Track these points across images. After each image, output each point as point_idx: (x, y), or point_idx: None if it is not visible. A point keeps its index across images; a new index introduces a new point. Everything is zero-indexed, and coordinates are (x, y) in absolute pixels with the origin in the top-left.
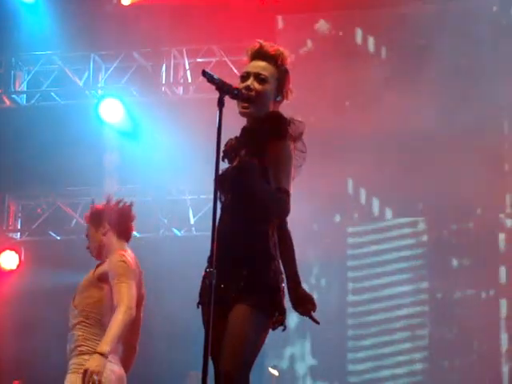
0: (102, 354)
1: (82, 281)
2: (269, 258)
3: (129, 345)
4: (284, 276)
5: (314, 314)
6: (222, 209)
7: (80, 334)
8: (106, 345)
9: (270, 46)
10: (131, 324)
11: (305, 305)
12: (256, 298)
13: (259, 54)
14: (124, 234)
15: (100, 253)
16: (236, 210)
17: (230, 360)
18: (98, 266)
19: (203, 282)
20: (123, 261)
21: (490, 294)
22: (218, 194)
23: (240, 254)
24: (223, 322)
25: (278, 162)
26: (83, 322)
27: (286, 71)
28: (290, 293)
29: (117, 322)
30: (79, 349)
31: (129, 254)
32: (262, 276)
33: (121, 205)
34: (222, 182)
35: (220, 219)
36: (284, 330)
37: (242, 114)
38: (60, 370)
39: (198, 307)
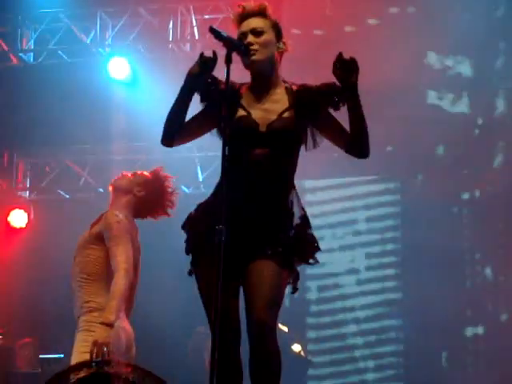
0: (108, 325)
1: (80, 240)
2: (306, 219)
3: (127, 299)
4: None
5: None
6: (246, 163)
7: (86, 290)
8: (111, 314)
9: (252, 4)
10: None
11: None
12: (289, 259)
13: (246, 15)
14: (139, 215)
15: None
16: (276, 166)
17: (267, 310)
18: (93, 225)
19: (209, 238)
20: (117, 221)
21: None
22: (234, 148)
23: (276, 216)
24: (229, 282)
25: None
26: (87, 279)
27: (277, 22)
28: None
29: (117, 288)
30: (87, 305)
31: (124, 213)
32: (298, 239)
33: (169, 201)
34: (245, 136)
35: (239, 173)
36: (294, 292)
37: (252, 63)
38: (71, 327)
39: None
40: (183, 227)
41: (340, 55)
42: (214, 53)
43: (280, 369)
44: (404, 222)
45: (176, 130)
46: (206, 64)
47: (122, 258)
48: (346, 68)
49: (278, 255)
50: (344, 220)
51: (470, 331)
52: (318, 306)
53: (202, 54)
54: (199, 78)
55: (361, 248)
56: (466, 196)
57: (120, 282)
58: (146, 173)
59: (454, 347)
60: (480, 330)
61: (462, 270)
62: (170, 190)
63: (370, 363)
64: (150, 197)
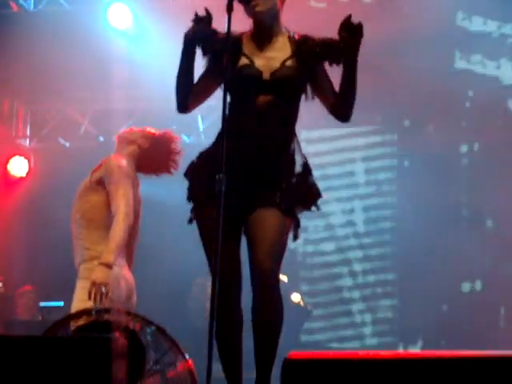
0: (106, 265)
1: (80, 187)
2: (307, 166)
3: (127, 251)
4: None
5: None
6: (250, 111)
7: (86, 238)
8: (109, 254)
9: None
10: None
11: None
12: (291, 207)
13: None
14: (141, 169)
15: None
16: (279, 114)
17: (270, 259)
18: (93, 172)
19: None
20: (119, 166)
21: None
22: (237, 96)
23: (279, 164)
24: (231, 230)
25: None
26: (87, 226)
27: None
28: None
29: (117, 230)
30: (88, 253)
31: (125, 160)
32: (295, 190)
33: (173, 161)
34: (249, 84)
35: (243, 122)
36: (295, 240)
37: (257, 15)
38: (72, 275)
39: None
40: (185, 175)
41: (348, 18)
42: (207, 11)
43: (282, 317)
44: (401, 175)
45: (188, 95)
46: (200, 23)
47: (121, 201)
48: (352, 31)
49: (281, 203)
50: (340, 172)
51: (467, 287)
52: (313, 259)
53: (196, 14)
54: (196, 37)
55: (358, 200)
56: (464, 149)
57: (120, 224)
58: (154, 130)
59: (450, 303)
60: (478, 285)
61: (460, 223)
62: (176, 150)
63: (366, 317)
64: (154, 152)
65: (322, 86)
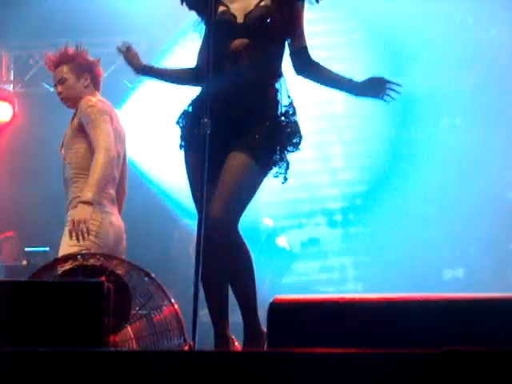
0: (85, 203)
1: (66, 135)
2: (281, 113)
3: (118, 186)
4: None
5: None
6: (223, 56)
7: (76, 186)
8: (88, 192)
9: None
10: (117, 163)
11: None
12: (264, 151)
13: None
14: (98, 85)
15: (76, 103)
16: (255, 55)
17: (224, 204)
18: (72, 119)
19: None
20: (90, 106)
21: None
22: (217, 43)
23: (256, 105)
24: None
25: (303, 21)
26: (78, 174)
27: None
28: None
29: (96, 166)
30: (75, 200)
31: (97, 97)
32: (273, 132)
33: (89, 56)
34: (225, 29)
35: (221, 66)
36: (284, 182)
37: None
38: (59, 221)
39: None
40: (177, 123)
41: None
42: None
43: (244, 265)
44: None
45: (191, 82)
46: (125, 58)
47: (100, 137)
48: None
49: (253, 147)
50: None
51: (448, 274)
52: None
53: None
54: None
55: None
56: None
57: (98, 161)
58: (69, 54)
59: (431, 291)
60: (459, 272)
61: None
62: (96, 60)
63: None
64: (93, 74)
65: (294, 29)
